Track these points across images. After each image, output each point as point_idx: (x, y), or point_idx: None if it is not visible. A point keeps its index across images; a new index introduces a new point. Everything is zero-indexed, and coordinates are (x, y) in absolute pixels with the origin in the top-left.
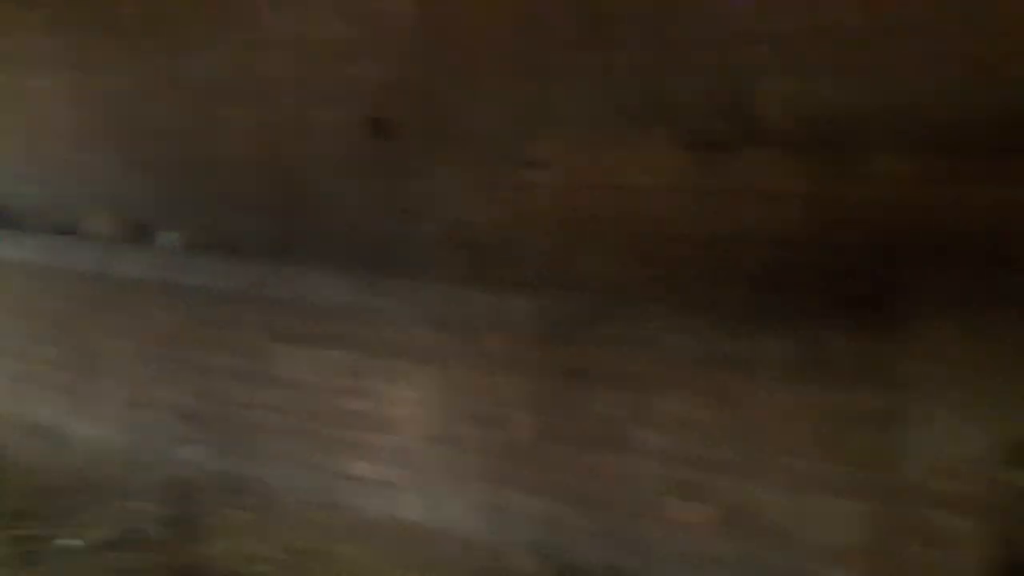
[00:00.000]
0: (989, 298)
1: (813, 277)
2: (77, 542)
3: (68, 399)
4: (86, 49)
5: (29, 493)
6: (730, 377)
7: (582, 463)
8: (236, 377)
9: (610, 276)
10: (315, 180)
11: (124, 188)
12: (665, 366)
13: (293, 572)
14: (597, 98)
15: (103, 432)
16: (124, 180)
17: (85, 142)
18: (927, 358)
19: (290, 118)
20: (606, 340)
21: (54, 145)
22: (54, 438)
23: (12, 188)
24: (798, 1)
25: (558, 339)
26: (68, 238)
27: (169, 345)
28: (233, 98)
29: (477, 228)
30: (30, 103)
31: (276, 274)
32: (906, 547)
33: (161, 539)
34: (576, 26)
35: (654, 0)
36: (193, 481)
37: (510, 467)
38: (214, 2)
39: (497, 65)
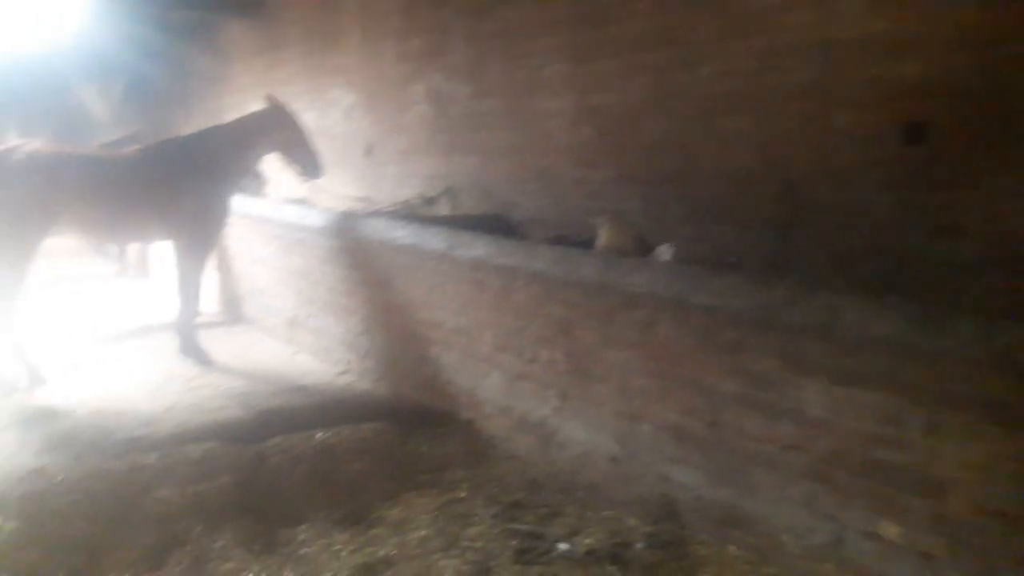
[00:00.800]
0: None
1: None
2: (570, 547)
3: (562, 401)
4: (587, 70)
5: (521, 486)
6: None
7: None
8: (744, 404)
9: None
10: (828, 193)
11: (622, 201)
12: None
13: None
14: None
15: (592, 437)
16: (622, 193)
17: (585, 157)
18: None
19: (802, 126)
20: None
21: (557, 161)
22: (544, 436)
23: (518, 199)
24: None
25: None
26: (571, 248)
27: (669, 362)
28: (737, 108)
29: None
30: (536, 122)
31: (797, 298)
32: None
33: (649, 560)
34: None
35: None
36: (683, 504)
37: None
38: (734, 11)
39: None
